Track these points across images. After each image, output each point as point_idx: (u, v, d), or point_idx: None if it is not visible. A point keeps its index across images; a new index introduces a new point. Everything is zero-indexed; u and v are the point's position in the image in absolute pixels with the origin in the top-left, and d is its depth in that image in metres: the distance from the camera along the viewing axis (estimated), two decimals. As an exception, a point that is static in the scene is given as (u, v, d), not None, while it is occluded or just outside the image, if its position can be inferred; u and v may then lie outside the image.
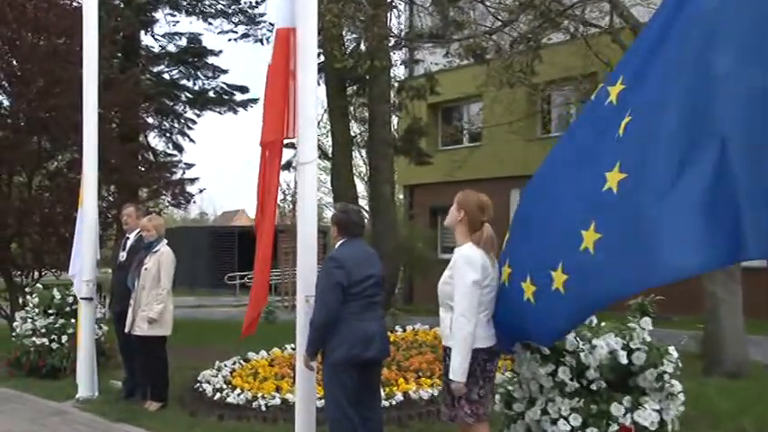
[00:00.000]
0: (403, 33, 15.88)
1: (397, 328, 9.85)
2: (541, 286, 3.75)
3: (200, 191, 19.92)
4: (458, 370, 4.00)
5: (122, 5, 18.21)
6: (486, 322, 4.10)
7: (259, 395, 6.79)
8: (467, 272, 4.03)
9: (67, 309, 9.08)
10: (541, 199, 3.94)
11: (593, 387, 4.20)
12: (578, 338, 4.24)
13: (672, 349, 4.37)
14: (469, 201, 4.24)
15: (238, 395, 6.88)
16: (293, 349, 7.58)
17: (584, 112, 4.13)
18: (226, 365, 8.07)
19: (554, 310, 3.70)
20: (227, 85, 20.73)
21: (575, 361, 4.20)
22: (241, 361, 8.32)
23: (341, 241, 4.99)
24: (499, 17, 12.73)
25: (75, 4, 12.84)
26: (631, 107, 3.55)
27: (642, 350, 4.24)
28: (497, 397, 4.57)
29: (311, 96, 5.25)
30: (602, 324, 4.45)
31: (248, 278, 23.97)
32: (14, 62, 12.21)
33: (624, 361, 4.20)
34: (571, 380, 4.18)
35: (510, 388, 4.52)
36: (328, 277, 4.77)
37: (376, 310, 4.96)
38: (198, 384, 7.53)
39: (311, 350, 4.86)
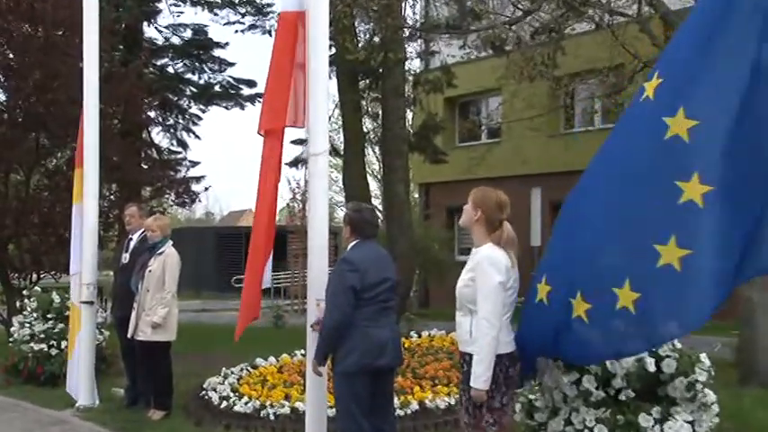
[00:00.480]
0: (418, 24, 15.86)
1: (411, 333, 9.85)
2: (599, 304, 3.67)
3: (206, 189, 19.99)
4: (481, 377, 3.97)
5: (124, -5, 18.29)
6: (507, 326, 4.09)
7: (267, 404, 6.81)
8: (492, 273, 4.00)
9: (67, 313, 9.14)
10: (590, 212, 3.84)
11: (620, 397, 4.17)
12: None
13: (704, 356, 4.33)
14: (486, 198, 4.21)
15: (246, 404, 6.90)
16: (303, 355, 7.60)
17: (624, 114, 4.05)
18: (233, 372, 8.09)
19: (615, 330, 3.63)
20: (234, 78, 20.75)
21: (600, 369, 4.17)
22: (248, 368, 8.34)
23: (354, 242, 4.99)
24: (519, 6, 12.68)
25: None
26: (691, 108, 3.49)
27: (672, 357, 4.20)
28: (518, 406, 4.55)
29: (323, 84, 5.26)
30: None
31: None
32: (10, 54, 12.24)
33: (652, 369, 4.17)
34: (596, 389, 4.16)
35: (532, 397, 4.49)
36: (341, 280, 4.77)
37: (389, 315, 4.96)
38: (203, 392, 7.56)
39: (320, 356, 4.86)
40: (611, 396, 4.17)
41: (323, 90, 5.27)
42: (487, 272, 4.02)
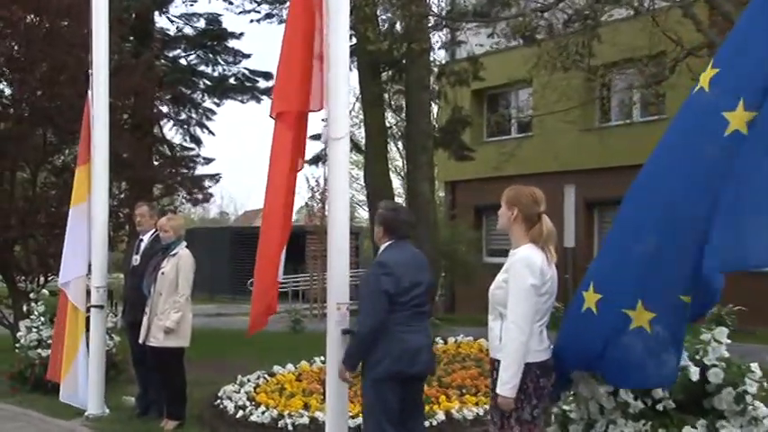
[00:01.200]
0: (444, 12, 15.82)
1: (437, 339, 9.83)
2: (665, 313, 3.71)
3: (216, 181, 20.07)
4: (507, 384, 3.96)
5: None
6: (539, 333, 4.06)
7: (285, 413, 6.82)
8: (524, 275, 3.99)
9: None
10: (651, 214, 3.83)
11: (661, 408, 4.12)
12: None
13: (755, 366, 4.27)
14: (521, 195, 4.21)
15: (263, 413, 6.92)
16: (323, 362, 7.61)
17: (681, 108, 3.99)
18: (249, 380, 8.12)
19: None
20: (250, 70, 20.79)
21: (639, 379, 4.13)
22: (265, 375, 8.36)
23: (387, 243, 5.00)
24: (552, -8, 12.62)
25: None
26: (750, 99, 3.48)
27: (719, 367, 4.15)
28: (552, 418, 4.52)
29: (343, 63, 5.27)
30: None
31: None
32: (15, 46, 12.34)
33: (696, 378, 4.12)
34: (635, 399, 4.11)
35: (566, 408, 4.46)
36: (375, 284, 4.79)
37: (423, 320, 4.98)
38: (218, 401, 7.59)
39: (352, 362, 4.87)
40: (651, 407, 4.13)
41: (344, 69, 5.28)
42: (520, 273, 4.00)
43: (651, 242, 3.77)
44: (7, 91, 12.69)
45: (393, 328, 4.75)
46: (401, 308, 4.78)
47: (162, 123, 19.02)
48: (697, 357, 4.19)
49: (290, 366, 8.62)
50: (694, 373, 4.11)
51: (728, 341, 4.29)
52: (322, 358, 7.92)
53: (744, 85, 3.50)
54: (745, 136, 3.45)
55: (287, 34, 5.62)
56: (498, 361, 4.06)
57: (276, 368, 8.54)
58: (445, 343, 9.74)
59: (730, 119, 3.49)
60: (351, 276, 5.48)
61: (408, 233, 5.10)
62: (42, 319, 9.38)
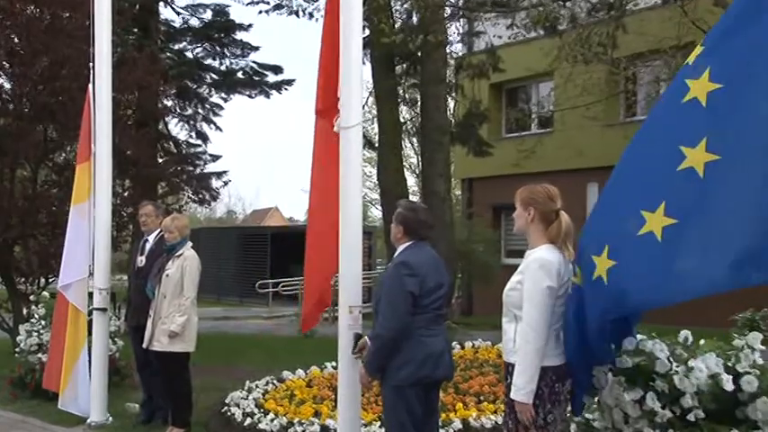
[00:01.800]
0: (461, 2, 15.80)
1: (454, 344, 9.81)
2: (586, 274, 3.83)
3: (225, 183, 20.13)
4: (522, 389, 3.96)
5: (138, -27, 18.48)
6: (555, 337, 4.05)
7: (295, 420, 6.83)
8: (540, 277, 3.99)
9: (78, 320, 9.26)
10: (617, 172, 3.98)
11: (690, 417, 4.09)
12: (671, 359, 4.14)
13: (793, 374, 4.22)
14: (535, 193, 4.22)
15: (272, 420, 6.93)
16: (334, 368, 7.61)
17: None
18: (257, 386, 8.13)
19: (594, 300, 3.79)
20: (258, 64, 20.88)
21: (667, 386, 4.10)
22: (275, 381, 8.38)
23: (406, 244, 5.01)
24: (575, -20, 12.57)
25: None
26: (717, 71, 3.49)
27: (753, 374, 4.11)
28: (573, 427, 4.49)
29: (356, 47, 5.28)
30: (701, 342, 4.33)
31: (282, 286, 24.18)
32: (15, 39, 12.40)
33: (729, 387, 4.08)
34: (662, 408, 4.08)
35: (589, 416, 4.44)
36: (399, 285, 4.79)
37: (442, 323, 5.00)
38: (226, 408, 7.61)
39: (374, 366, 4.87)
40: (680, 416, 4.09)
41: (357, 54, 5.28)
42: (536, 275, 4.00)
43: (599, 205, 3.98)
44: (7, 86, 12.73)
45: (414, 332, 4.76)
46: (423, 311, 4.80)
47: (167, 119, 19.08)
48: (729, 364, 4.14)
49: (299, 372, 8.63)
50: (727, 382, 4.07)
51: (763, 347, 4.25)
52: (333, 363, 7.93)
53: (716, 58, 3.52)
54: (702, 107, 3.47)
55: (325, 29, 5.64)
56: (512, 365, 4.07)
57: (285, 374, 8.55)
58: (462, 348, 9.73)
59: (691, 85, 3.53)
60: (363, 278, 5.48)
61: (428, 234, 5.12)
62: (43, 322, 9.42)
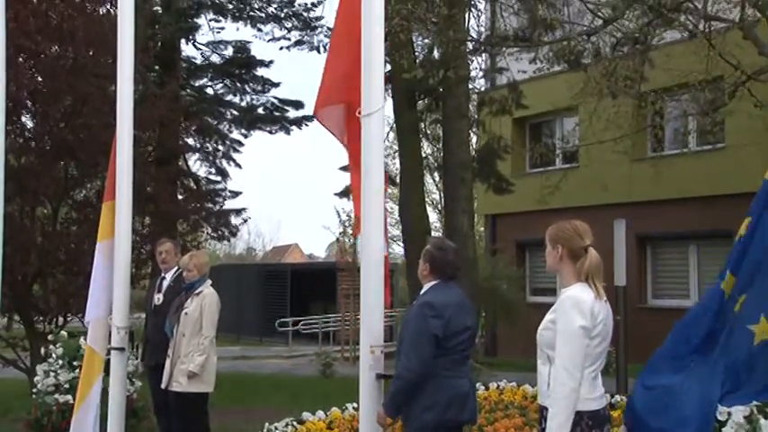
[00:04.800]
0: (483, 37, 15.89)
1: (478, 385, 9.71)
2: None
3: (245, 221, 20.19)
4: None
5: (161, 10, 18.77)
6: (592, 379, 3.99)
7: (315, 465, 6.76)
8: (573, 316, 3.94)
9: (96, 360, 9.25)
10: None
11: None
12: None
13: None
14: (562, 231, 4.20)
15: (291, 464, 6.86)
16: (356, 409, 7.54)
17: None
18: (276, 428, 8.07)
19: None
20: (279, 100, 21.02)
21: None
22: (294, 423, 8.31)
23: (432, 283, 5.02)
24: (599, 15, 12.59)
25: (103, 9, 13.23)
26: None
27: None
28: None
29: (378, 35, 5.17)
30: None
31: (302, 324, 24.14)
32: (38, 78, 12.61)
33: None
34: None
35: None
36: (422, 326, 4.79)
37: (467, 364, 5.01)
38: (244, 451, 7.56)
39: (393, 407, 4.84)
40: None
41: (378, 37, 5.17)
42: (569, 314, 3.96)
43: None
44: (30, 124, 12.91)
45: (440, 374, 4.75)
46: (448, 352, 4.79)
47: (187, 155, 19.23)
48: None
49: (320, 414, 8.55)
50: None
51: None
52: (354, 405, 7.86)
53: None
54: None
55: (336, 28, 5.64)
56: (546, 408, 4.00)
57: (306, 415, 8.49)
58: (486, 389, 9.62)
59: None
60: (385, 317, 5.46)
61: (455, 274, 5.11)
62: (60, 362, 9.41)
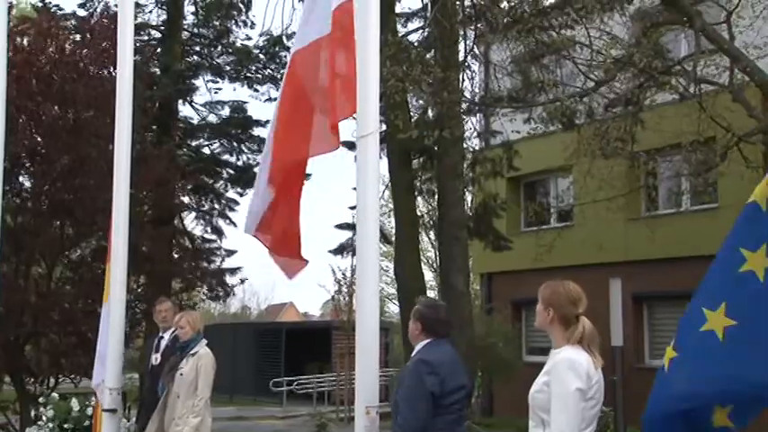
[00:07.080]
0: (477, 98, 16.09)
1: (475, 447, 9.62)
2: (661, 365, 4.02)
3: (242, 281, 20.16)
4: None
5: (159, 72, 18.99)
6: (587, 444, 3.96)
7: None
8: (569, 378, 3.91)
9: (87, 423, 9.15)
10: None
11: None
12: None
13: None
14: (556, 294, 4.17)
15: None
16: (351, 473, 7.45)
17: None
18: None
19: (657, 390, 3.95)
20: (275, 159, 21.10)
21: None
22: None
23: (425, 342, 5.01)
24: (591, 77, 12.79)
25: (103, 72, 13.39)
26: None
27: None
28: None
29: (373, 54, 5.12)
30: None
31: (296, 384, 23.92)
32: (38, 138, 12.69)
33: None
34: None
35: None
36: (419, 383, 4.77)
37: (462, 424, 4.97)
38: None
39: None
40: None
41: (374, 57, 5.12)
42: (564, 376, 3.93)
43: None
44: (27, 184, 12.94)
45: None
46: (444, 411, 4.76)
47: (183, 215, 19.27)
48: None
49: (315, 476, 8.46)
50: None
51: None
52: (350, 467, 7.77)
53: None
54: (764, 211, 3.70)
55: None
56: (542, 472, 3.96)
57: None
58: (483, 450, 9.53)
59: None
60: (380, 376, 5.43)
61: (448, 332, 5.10)
62: (51, 425, 9.31)
